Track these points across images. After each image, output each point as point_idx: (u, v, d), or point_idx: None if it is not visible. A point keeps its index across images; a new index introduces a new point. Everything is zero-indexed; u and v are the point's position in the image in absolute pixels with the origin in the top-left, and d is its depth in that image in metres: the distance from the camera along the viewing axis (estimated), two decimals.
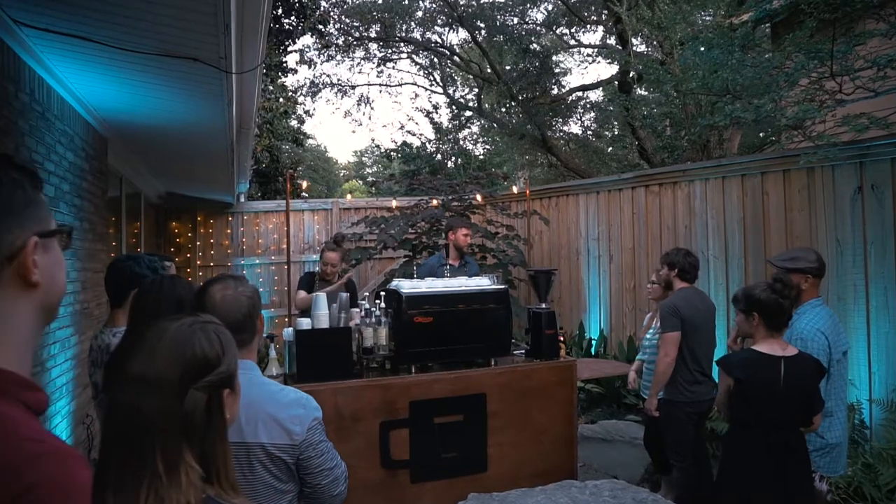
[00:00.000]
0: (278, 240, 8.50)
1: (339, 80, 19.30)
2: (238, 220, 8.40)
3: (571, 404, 3.95)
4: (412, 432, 3.52)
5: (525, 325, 4.82)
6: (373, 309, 3.67)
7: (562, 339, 4.14)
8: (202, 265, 8.22)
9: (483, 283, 3.85)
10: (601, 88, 18.34)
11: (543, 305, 4.02)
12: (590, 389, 5.68)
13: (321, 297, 3.49)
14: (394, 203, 7.73)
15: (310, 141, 33.45)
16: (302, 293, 4.86)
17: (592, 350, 6.50)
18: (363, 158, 33.07)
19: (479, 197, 6.94)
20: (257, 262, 8.32)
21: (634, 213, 6.41)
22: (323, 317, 3.46)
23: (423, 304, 3.58)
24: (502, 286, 3.86)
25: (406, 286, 3.63)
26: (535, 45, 16.62)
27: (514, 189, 7.35)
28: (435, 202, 7.10)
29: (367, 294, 3.71)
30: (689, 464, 3.53)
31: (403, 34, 17.36)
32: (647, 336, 4.08)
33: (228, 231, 8.36)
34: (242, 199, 8.59)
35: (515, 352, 4.16)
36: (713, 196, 5.43)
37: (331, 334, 3.45)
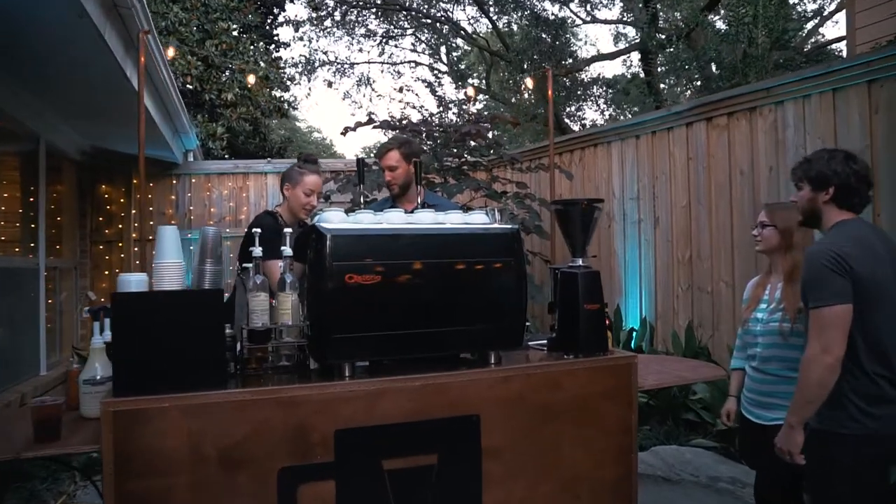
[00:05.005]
0: (235, 208, 6.89)
1: (336, 57, 17.64)
2: (185, 183, 6.80)
3: (628, 432, 2.30)
4: (341, 487, 1.90)
5: (537, 315, 3.18)
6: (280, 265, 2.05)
7: (607, 321, 2.50)
8: (139, 238, 6.61)
9: (476, 220, 2.21)
10: (621, 60, 16.66)
11: (580, 262, 2.37)
12: None
13: (167, 230, 1.85)
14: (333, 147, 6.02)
15: (315, 134, 31.82)
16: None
17: (633, 344, 4.85)
18: (371, 156, 31.42)
19: (468, 92, 5.24)
20: None
21: (691, 157, 4.74)
22: (170, 270, 1.83)
23: (364, 254, 1.95)
24: (510, 226, 2.21)
25: (334, 220, 1.99)
26: (547, 13, 14.95)
27: (527, 91, 5.63)
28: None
29: (255, 232, 2.10)
30: None
31: (405, 4, 15.68)
32: (759, 315, 2.41)
33: (172, 197, 6.77)
34: (191, 159, 6.99)
35: (531, 342, 2.53)
36: (817, 119, 3.74)
37: (183, 302, 1.82)
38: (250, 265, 1.99)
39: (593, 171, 5.82)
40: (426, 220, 2.14)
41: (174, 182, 6.77)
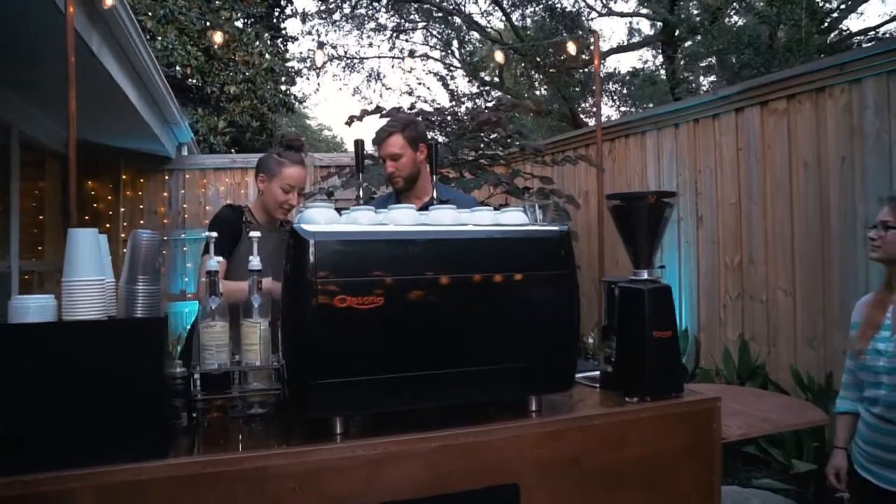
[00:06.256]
0: None
1: (346, 51, 17.14)
2: (178, 179, 6.29)
3: (710, 498, 1.75)
4: None
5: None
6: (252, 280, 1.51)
7: None
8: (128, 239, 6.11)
9: (511, 219, 1.66)
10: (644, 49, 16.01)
11: (645, 274, 1.82)
12: None
13: (80, 234, 1.32)
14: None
15: (325, 132, 31.15)
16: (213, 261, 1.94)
17: None
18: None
19: (496, 57, 4.69)
20: (204, 235, 6.17)
21: (741, 147, 4.16)
22: (86, 291, 1.29)
23: (362, 266, 1.41)
24: (557, 227, 1.66)
25: (321, 220, 1.45)
26: (562, 4, 14.37)
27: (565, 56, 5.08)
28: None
29: (209, 237, 1.57)
30: None
31: None
32: (879, 346, 1.85)
33: (165, 194, 6.26)
34: (185, 153, 6.48)
35: (580, 375, 1.98)
36: None
37: (104, 336, 1.28)
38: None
39: (625, 165, 5.25)
40: (445, 219, 1.60)
41: (166, 178, 6.26)
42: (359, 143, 1.80)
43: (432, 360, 1.47)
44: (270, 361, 1.44)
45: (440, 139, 5.20)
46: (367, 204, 1.77)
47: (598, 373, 1.98)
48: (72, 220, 1.67)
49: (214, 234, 1.50)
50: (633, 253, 1.86)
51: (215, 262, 1.41)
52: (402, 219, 1.56)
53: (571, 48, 4.18)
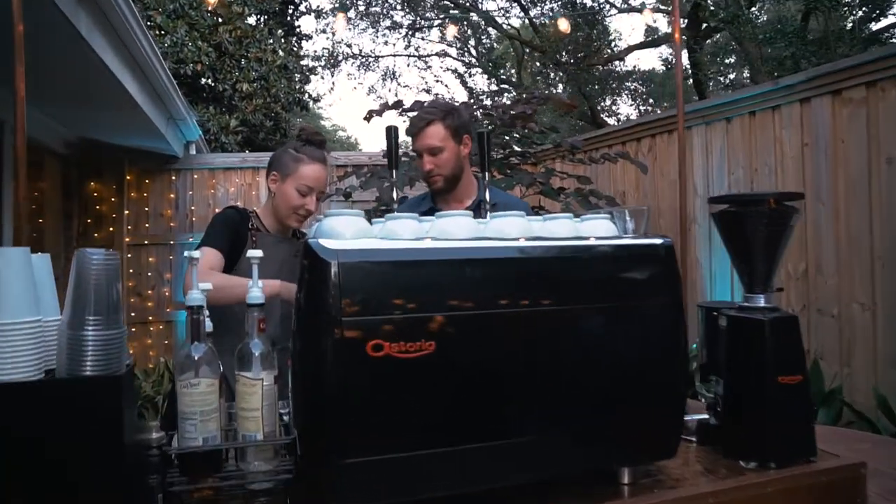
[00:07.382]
0: None
1: (360, 50, 16.80)
2: (185, 179, 5.92)
3: None
4: None
5: None
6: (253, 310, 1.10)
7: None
8: (133, 243, 5.76)
9: (594, 229, 1.24)
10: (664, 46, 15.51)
11: (761, 301, 1.41)
12: None
13: (8, 255, 0.92)
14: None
15: (340, 133, 30.79)
16: (210, 254, 1.75)
17: None
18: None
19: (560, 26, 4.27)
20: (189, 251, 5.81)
21: (806, 143, 3.71)
22: (6, 338, 0.89)
23: (403, 299, 0.99)
24: (659, 240, 1.24)
25: (344, 230, 1.04)
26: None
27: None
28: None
29: (191, 260, 1.19)
30: None
31: None
32: None
33: (172, 195, 5.90)
34: (193, 151, 6.12)
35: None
36: None
37: (30, 404, 0.88)
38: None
39: (667, 163, 4.81)
40: (511, 230, 1.19)
41: (174, 178, 5.90)
42: (392, 131, 1.40)
43: (501, 426, 1.07)
44: (277, 428, 1.03)
45: None
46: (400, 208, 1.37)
47: (691, 419, 1.57)
48: (17, 234, 1.26)
49: (197, 253, 1.10)
50: (744, 272, 1.45)
51: (199, 294, 1.00)
52: (452, 229, 1.14)
53: (648, 17, 3.75)
